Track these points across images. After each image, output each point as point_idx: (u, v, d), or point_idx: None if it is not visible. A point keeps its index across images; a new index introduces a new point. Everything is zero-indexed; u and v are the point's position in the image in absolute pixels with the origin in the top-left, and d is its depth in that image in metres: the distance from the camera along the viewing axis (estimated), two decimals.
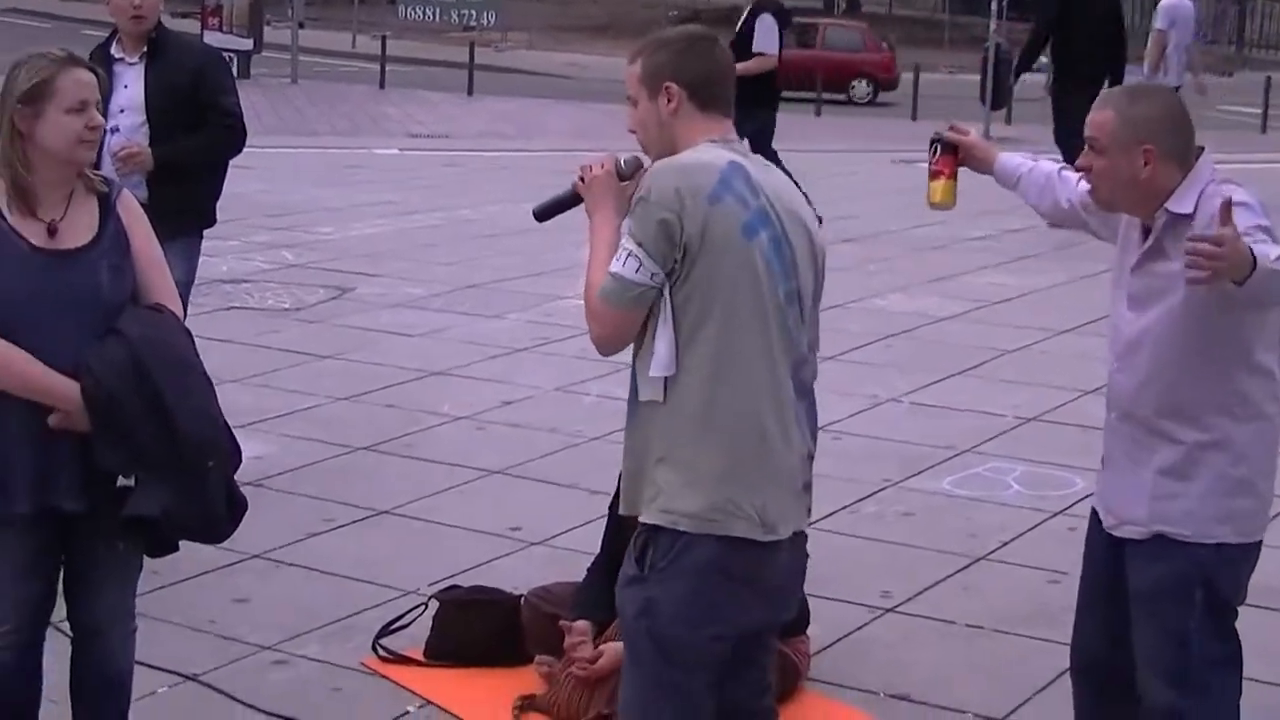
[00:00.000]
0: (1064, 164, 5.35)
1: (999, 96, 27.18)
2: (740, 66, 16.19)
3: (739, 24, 16.40)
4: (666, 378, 4.28)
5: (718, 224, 4.24)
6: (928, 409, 10.14)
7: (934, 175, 5.34)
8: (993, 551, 7.74)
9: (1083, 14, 17.17)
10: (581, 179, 4.56)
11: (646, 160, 4.55)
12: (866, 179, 20.03)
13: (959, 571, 7.50)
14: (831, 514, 8.02)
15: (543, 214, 4.80)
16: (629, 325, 4.33)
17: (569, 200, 4.67)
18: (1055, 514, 8.23)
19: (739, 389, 4.29)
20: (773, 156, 15.58)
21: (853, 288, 13.47)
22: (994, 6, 28.23)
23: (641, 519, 4.38)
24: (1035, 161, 5.34)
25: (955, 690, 6.36)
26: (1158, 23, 18.69)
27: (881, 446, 9.26)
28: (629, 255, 4.24)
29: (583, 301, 4.42)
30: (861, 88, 38.76)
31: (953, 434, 9.54)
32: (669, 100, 4.44)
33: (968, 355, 11.44)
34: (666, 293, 4.26)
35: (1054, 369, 11.04)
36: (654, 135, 4.49)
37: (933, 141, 5.38)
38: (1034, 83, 19.96)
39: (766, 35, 16.01)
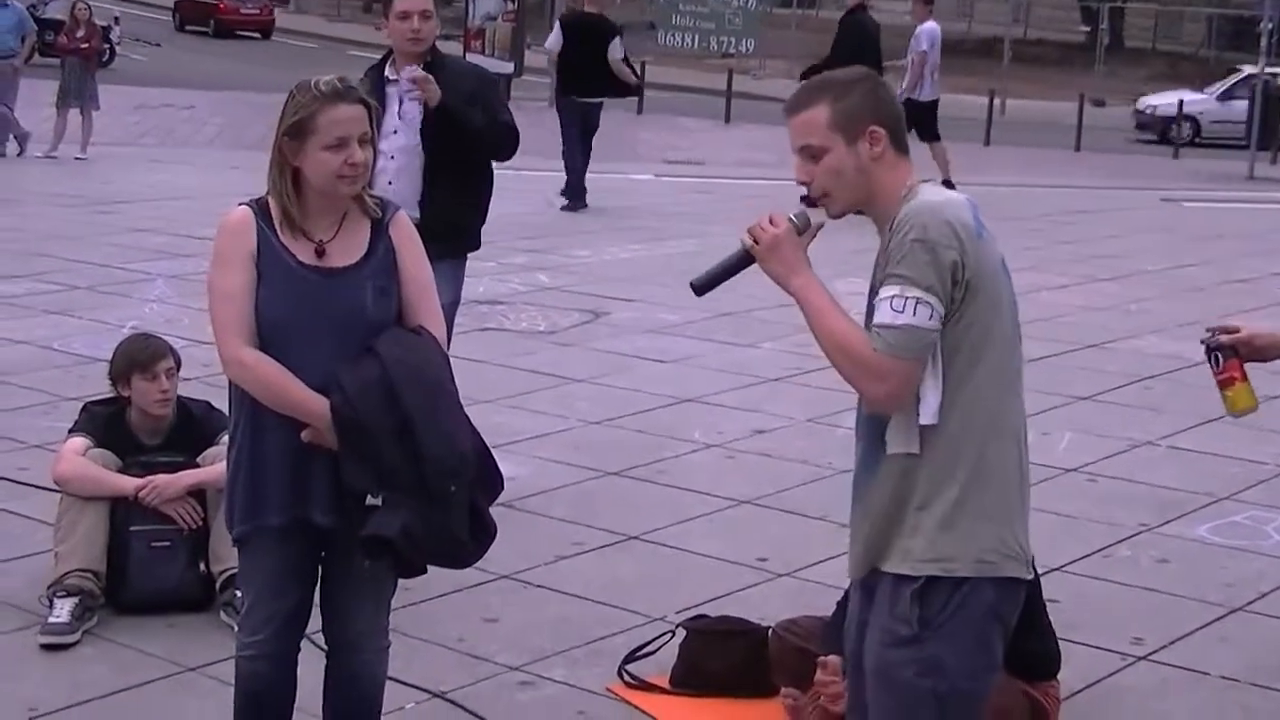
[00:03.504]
0: None
1: (1266, 135, 26.70)
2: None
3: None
4: (923, 425, 4.08)
5: (986, 260, 4.07)
6: (1185, 454, 9.94)
7: (1225, 385, 4.89)
8: (1251, 602, 7.55)
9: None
10: (755, 240, 4.28)
11: (815, 215, 4.31)
12: (1131, 217, 19.74)
13: (1215, 621, 7.32)
14: (1084, 557, 7.90)
15: (707, 285, 4.39)
16: (917, 376, 4.06)
17: (739, 264, 4.34)
18: None
19: (1006, 428, 4.16)
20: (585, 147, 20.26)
21: (1112, 328, 13.30)
22: (1263, 43, 27.73)
23: (904, 572, 4.14)
24: None
25: None
26: (921, 45, 21.05)
27: (1137, 490, 9.10)
28: (919, 302, 3.98)
29: (843, 364, 4.15)
30: None
31: (1211, 480, 9.34)
32: (873, 144, 4.17)
33: None
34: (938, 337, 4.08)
35: None
36: (851, 183, 4.20)
37: (1209, 350, 4.91)
38: None
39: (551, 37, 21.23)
